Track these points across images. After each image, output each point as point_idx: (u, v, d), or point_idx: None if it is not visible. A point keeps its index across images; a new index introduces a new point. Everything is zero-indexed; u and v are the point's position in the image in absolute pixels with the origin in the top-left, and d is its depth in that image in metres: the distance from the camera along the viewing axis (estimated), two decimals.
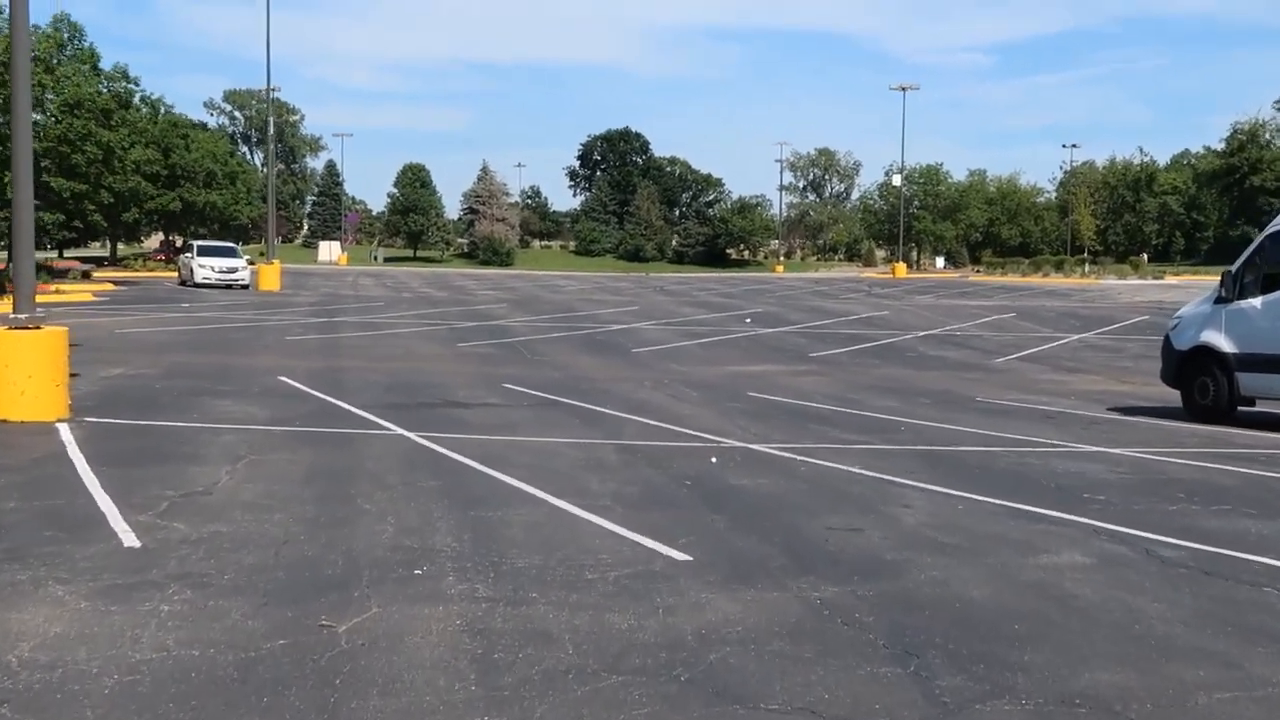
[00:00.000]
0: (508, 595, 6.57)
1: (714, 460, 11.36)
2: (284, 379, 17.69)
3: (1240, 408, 15.34)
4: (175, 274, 54.91)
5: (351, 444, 11.91)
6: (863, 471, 10.86)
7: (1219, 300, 15.49)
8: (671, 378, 19.94)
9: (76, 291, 38.00)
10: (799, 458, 11.64)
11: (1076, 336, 30.53)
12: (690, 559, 7.46)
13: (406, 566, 7.15)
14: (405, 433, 12.70)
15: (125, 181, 46.12)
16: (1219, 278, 15.55)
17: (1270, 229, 15.25)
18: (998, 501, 9.48)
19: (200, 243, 53.44)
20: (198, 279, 47.96)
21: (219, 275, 48.17)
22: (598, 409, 15.28)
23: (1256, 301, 14.98)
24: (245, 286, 48.16)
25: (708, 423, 14.22)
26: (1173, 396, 17.19)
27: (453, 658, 5.54)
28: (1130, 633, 6.12)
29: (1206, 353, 15.45)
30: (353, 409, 14.57)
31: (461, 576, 6.94)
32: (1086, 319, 36.79)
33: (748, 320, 34.68)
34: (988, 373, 22.46)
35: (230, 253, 51.09)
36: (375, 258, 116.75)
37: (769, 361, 23.64)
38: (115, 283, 48.30)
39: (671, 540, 7.94)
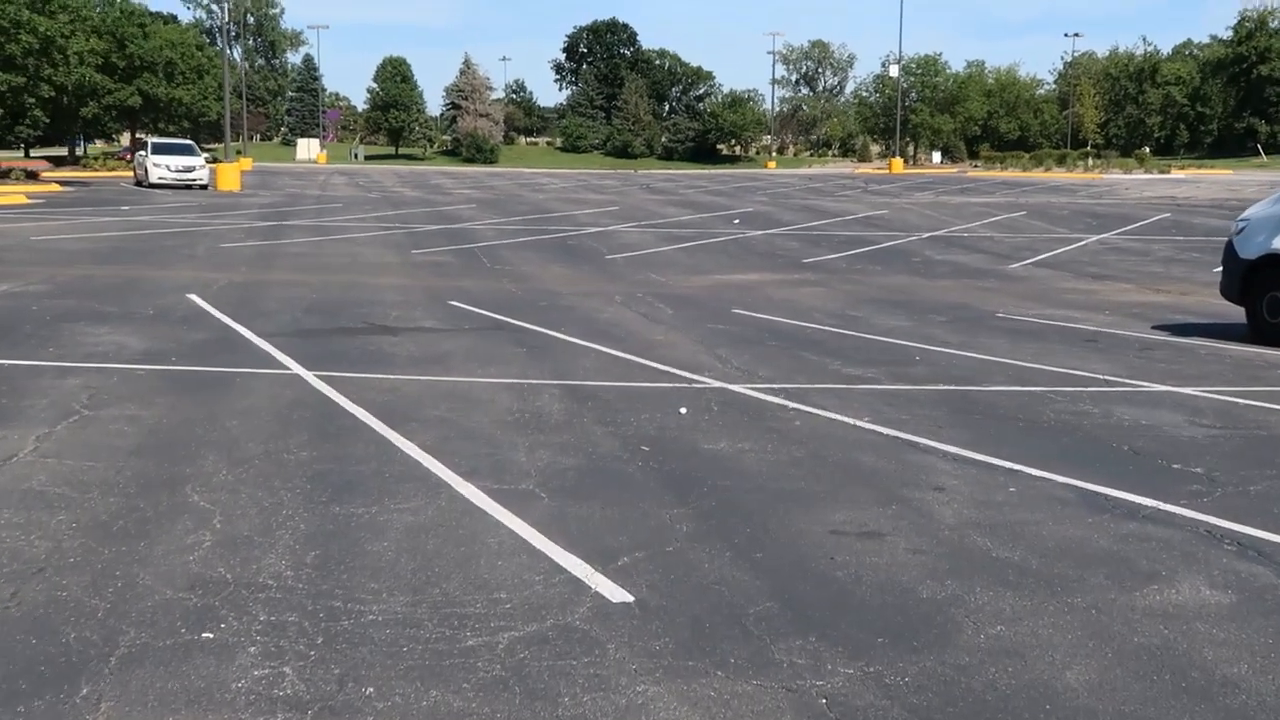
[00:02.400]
0: (326, 693, 4.11)
1: (683, 411, 8.87)
2: (192, 297, 15.12)
3: None
4: (132, 174, 51.84)
5: (227, 390, 9.40)
6: (874, 428, 8.38)
7: None
8: (646, 290, 17.38)
9: (9, 194, 35.10)
10: (792, 404, 9.16)
11: (1095, 238, 27.91)
12: (631, 600, 5.00)
13: (195, 622, 4.69)
14: (302, 372, 10.18)
15: (69, 75, 42.78)
16: None
17: None
18: (1060, 479, 7.01)
19: (155, 140, 50.26)
20: (153, 179, 44.99)
21: (175, 175, 45.20)
22: (552, 334, 12.75)
23: None
24: (204, 186, 45.24)
25: (682, 353, 11.71)
26: (1224, 310, 14.72)
27: None
28: None
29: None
30: (253, 338, 12.03)
31: (271, 644, 4.49)
32: (1103, 218, 34.11)
33: (736, 221, 31.98)
34: (1004, 280, 19.92)
35: (187, 150, 47.98)
36: (355, 155, 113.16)
37: (758, 269, 21.06)
38: (64, 183, 45.33)
39: (609, 559, 5.49)
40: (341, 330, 12.82)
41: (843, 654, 4.45)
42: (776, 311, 15.14)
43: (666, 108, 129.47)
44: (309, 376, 9.99)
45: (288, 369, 10.37)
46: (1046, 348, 12.45)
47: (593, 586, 5.14)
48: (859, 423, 8.53)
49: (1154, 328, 14.36)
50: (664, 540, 5.81)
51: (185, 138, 58.88)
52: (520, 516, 6.13)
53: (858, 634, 4.65)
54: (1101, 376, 10.66)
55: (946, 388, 10.03)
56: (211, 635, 4.57)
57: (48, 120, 49.53)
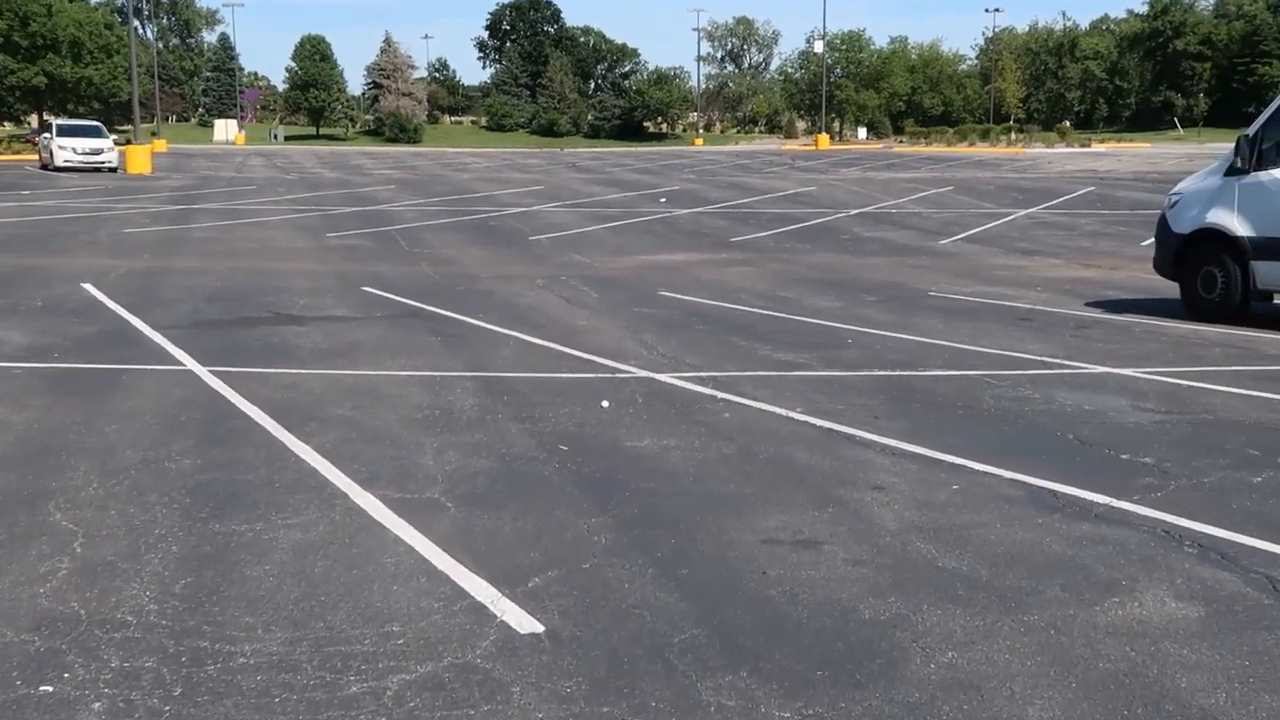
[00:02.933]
0: None
1: (606, 405, 8.31)
2: (86, 287, 14.26)
3: (1256, 303, 12.60)
4: (38, 157, 50.02)
5: (111, 390, 8.68)
6: (808, 419, 7.89)
7: (1231, 172, 12.60)
8: (570, 273, 16.79)
9: None
10: (720, 395, 8.65)
11: (1023, 212, 27.74)
12: (541, 631, 4.44)
13: (35, 672, 4.06)
14: (196, 368, 9.48)
15: None
16: (1234, 144, 12.62)
17: None
18: (1005, 473, 6.57)
19: (60, 121, 48.61)
20: (58, 162, 43.37)
21: (82, 157, 43.60)
22: (470, 321, 12.13)
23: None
24: (113, 169, 43.71)
25: (606, 339, 11.15)
26: (1156, 285, 14.48)
27: None
28: None
29: (1214, 237, 12.62)
30: (147, 331, 11.27)
31: (120, 698, 3.87)
32: (1029, 192, 34.03)
33: (663, 200, 31.43)
34: (934, 257, 19.58)
35: (95, 132, 46.33)
36: (275, 136, 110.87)
37: (686, 249, 20.54)
38: None
39: (519, 580, 4.93)
40: (244, 321, 12.08)
41: (778, 692, 3.93)
42: (704, 293, 14.63)
43: (592, 85, 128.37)
44: (203, 373, 9.29)
45: (181, 365, 9.66)
46: (982, 327, 12.07)
47: (498, 614, 4.58)
48: (791, 414, 8.04)
49: (1087, 304, 14.05)
50: (580, 556, 5.26)
51: (95, 119, 57.04)
52: (422, 531, 5.55)
53: (795, 666, 4.14)
54: (1039, 358, 10.28)
55: (882, 373, 9.58)
56: (51, 689, 3.94)
57: None
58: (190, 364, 9.66)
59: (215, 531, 5.54)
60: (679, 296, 14.35)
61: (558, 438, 7.38)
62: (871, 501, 6.07)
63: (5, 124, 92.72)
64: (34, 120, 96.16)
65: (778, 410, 8.15)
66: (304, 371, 9.45)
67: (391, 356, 10.15)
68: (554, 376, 9.41)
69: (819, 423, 7.79)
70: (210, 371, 9.34)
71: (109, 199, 29.65)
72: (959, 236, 22.96)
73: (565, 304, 13.70)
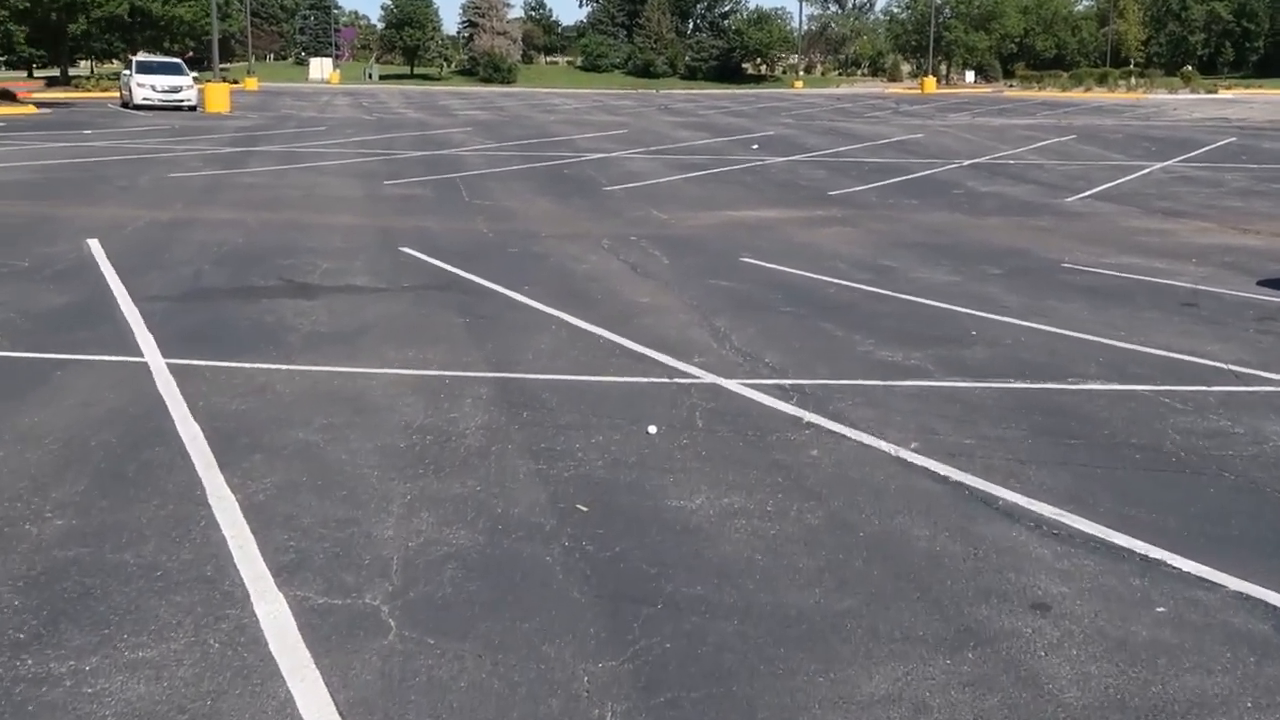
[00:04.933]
0: None
1: (652, 431, 6.25)
2: (91, 243, 12.54)
3: None
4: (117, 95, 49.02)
5: (28, 392, 6.84)
6: (927, 463, 5.75)
7: None
8: (643, 231, 14.69)
9: None
10: (808, 416, 6.54)
11: (1158, 165, 24.89)
12: None
13: None
14: (154, 358, 7.62)
15: None
16: None
17: None
18: (1229, 580, 4.39)
19: (139, 58, 47.28)
20: (137, 100, 42.18)
21: (161, 96, 42.35)
22: (510, 295, 10.13)
23: None
24: (192, 108, 42.39)
25: (670, 325, 9.08)
26: None
27: None
28: None
29: None
30: (125, 303, 9.46)
31: None
32: (1161, 142, 30.96)
33: (755, 147, 29.03)
34: (1062, 217, 17.09)
35: (174, 69, 45.01)
36: (370, 75, 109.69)
37: (777, 204, 18.26)
38: (45, 105, 42.58)
39: None
40: (245, 291, 10.22)
41: None
42: (794, 261, 12.43)
43: (690, 25, 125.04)
44: (158, 368, 7.42)
45: (138, 354, 7.80)
46: (1137, 315, 9.74)
47: None
48: (903, 453, 5.90)
49: (1261, 284, 11.59)
50: None
51: (191, 57, 55.95)
52: (335, 682, 3.57)
53: None
54: (1225, 365, 7.97)
55: (1020, 385, 7.36)
56: None
57: (25, 34, 46.68)
58: (150, 354, 7.79)
59: (18, 675, 3.61)
60: (764, 265, 12.18)
61: (579, 489, 5.34)
62: (1035, 637, 3.94)
63: (113, 61, 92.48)
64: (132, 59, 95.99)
65: (884, 447, 6.02)
66: (284, 367, 7.53)
67: (400, 346, 8.18)
68: (595, 381, 7.36)
69: (942, 470, 5.65)
70: (169, 365, 7.47)
71: (170, 139, 28.13)
72: (1088, 193, 20.32)
73: (629, 272, 11.62)
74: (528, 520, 4.97)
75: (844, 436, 6.21)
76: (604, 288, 10.73)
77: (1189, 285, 11.41)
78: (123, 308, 9.31)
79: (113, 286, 10.20)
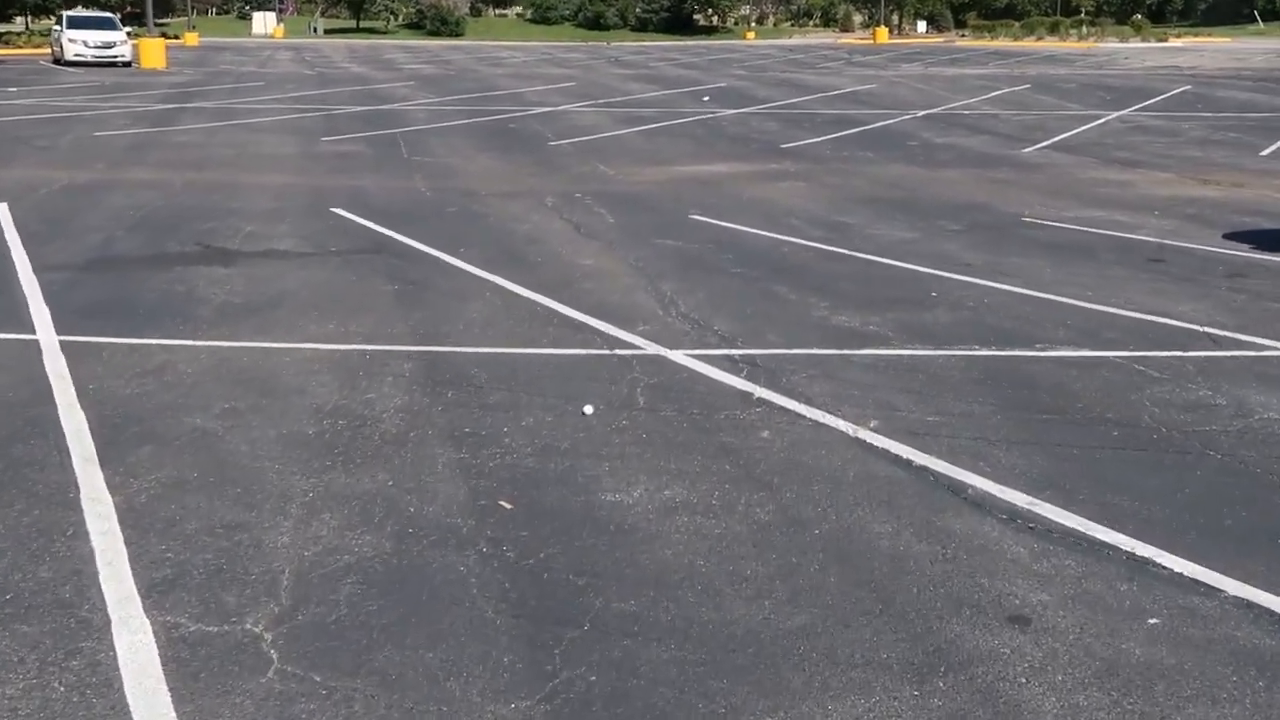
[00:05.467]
0: None
1: (589, 411, 5.70)
2: None
3: None
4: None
5: None
6: (888, 445, 5.24)
7: None
8: (589, 188, 14.06)
9: None
10: (759, 391, 6.01)
11: (1114, 115, 24.47)
12: None
13: None
14: (47, 336, 6.98)
15: None
16: None
17: None
18: (1228, 582, 3.91)
19: (70, 13, 45.68)
20: (69, 56, 40.72)
21: (94, 51, 40.92)
22: (445, 260, 9.52)
23: None
24: (127, 64, 40.99)
25: (613, 289, 8.52)
26: None
27: None
28: None
29: None
30: (24, 274, 8.77)
31: None
32: (1115, 91, 30.56)
33: (706, 99, 28.32)
34: (1020, 169, 16.62)
35: (108, 24, 43.52)
36: (314, 30, 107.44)
37: (728, 158, 17.66)
38: None
39: None
40: (158, 259, 9.53)
41: None
42: (746, 218, 11.87)
43: None
44: (50, 346, 6.78)
45: (30, 331, 7.14)
46: (1104, 273, 9.29)
47: None
48: (862, 434, 5.39)
49: (1227, 237, 11.17)
50: None
51: (129, 12, 54.29)
52: None
53: None
54: (1198, 328, 7.51)
55: (985, 353, 6.87)
56: None
57: None
58: (43, 330, 7.14)
59: None
60: (714, 222, 11.62)
61: (503, 482, 4.79)
62: (1014, 659, 3.44)
63: (49, 16, 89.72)
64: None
65: (842, 426, 5.50)
66: (190, 344, 6.90)
67: (320, 318, 7.57)
68: (529, 354, 6.80)
69: (905, 452, 5.14)
70: (62, 343, 6.82)
71: (99, 96, 27.03)
72: (1045, 144, 19.87)
73: (573, 233, 11.03)
74: (442, 521, 4.42)
75: (798, 415, 5.69)
76: (545, 250, 10.13)
77: (1154, 240, 10.97)
78: (21, 279, 8.62)
79: (14, 255, 9.49)
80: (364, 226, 11.15)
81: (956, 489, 4.74)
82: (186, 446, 5.19)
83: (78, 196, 12.79)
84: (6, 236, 10.28)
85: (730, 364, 6.56)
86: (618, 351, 6.83)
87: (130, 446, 5.16)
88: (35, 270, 8.88)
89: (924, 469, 4.96)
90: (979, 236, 11.05)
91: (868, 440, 5.31)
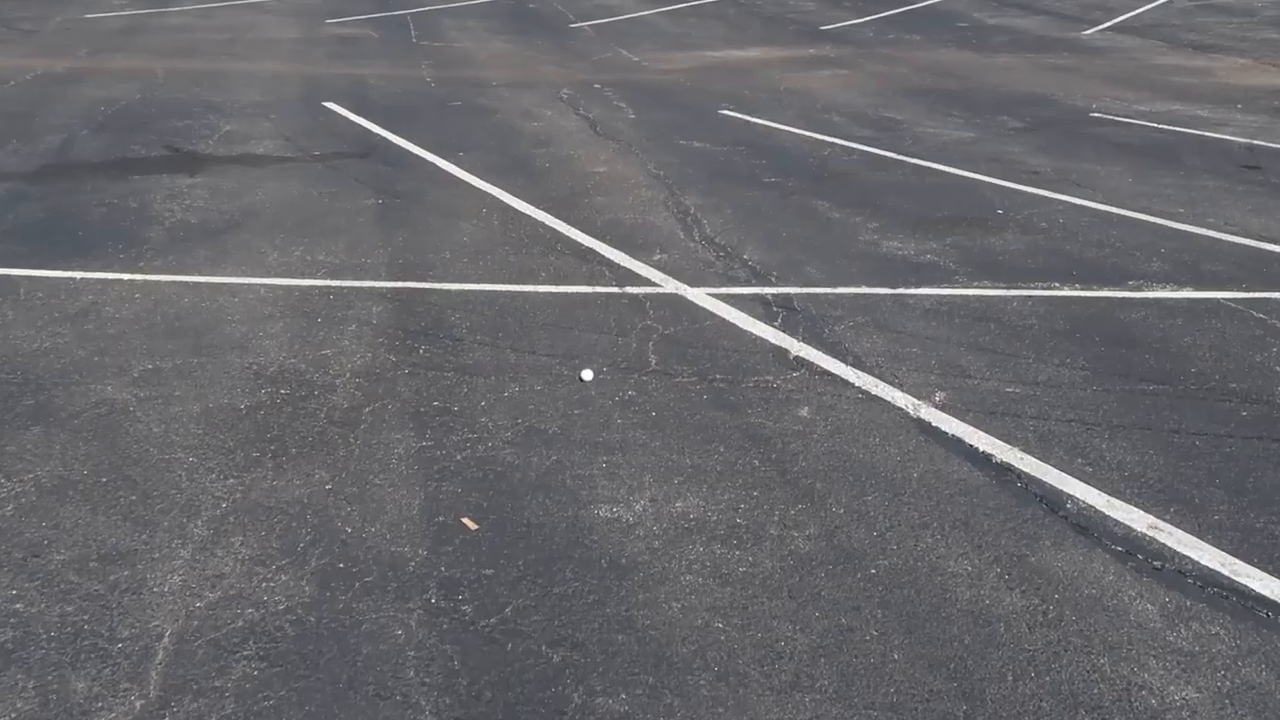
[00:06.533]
0: None
1: (586, 378, 4.65)
2: None
3: None
4: None
5: None
6: (958, 429, 4.17)
7: None
8: (609, 77, 12.80)
9: None
10: (795, 349, 4.94)
11: None
12: None
13: None
14: None
15: None
16: None
17: None
18: None
19: None
20: None
21: None
22: (440, 165, 8.39)
23: None
24: None
25: (627, 204, 7.39)
26: None
27: None
28: None
29: None
30: None
31: None
32: None
33: None
34: (1082, 54, 15.17)
35: None
36: None
37: (762, 41, 16.26)
38: None
39: None
40: (119, 164, 8.44)
41: None
42: (782, 113, 10.63)
43: None
44: None
45: None
46: (1192, 183, 8.06)
47: None
48: (925, 412, 4.32)
49: None
50: None
51: None
52: None
53: None
54: None
55: (1068, 292, 5.74)
56: None
57: None
58: None
59: None
60: (746, 119, 10.39)
61: (469, 486, 3.77)
62: None
63: None
64: None
65: (900, 401, 4.43)
66: (125, 278, 5.86)
67: (285, 242, 6.50)
68: (524, 292, 5.72)
69: (982, 443, 4.07)
70: None
71: None
72: (1106, 25, 18.29)
73: (588, 131, 9.84)
74: (385, 551, 3.40)
75: (845, 383, 4.61)
76: (555, 153, 8.97)
77: (1243, 140, 9.68)
78: None
79: None
80: (356, 125, 10.00)
81: (1053, 502, 3.67)
82: (86, 428, 4.18)
83: (49, 88, 11.66)
84: None
85: (762, 307, 5.47)
86: (628, 289, 5.74)
87: (16, 428, 4.17)
88: None
89: (1007, 469, 3.89)
90: (1044, 136, 9.79)
91: (933, 423, 4.24)
